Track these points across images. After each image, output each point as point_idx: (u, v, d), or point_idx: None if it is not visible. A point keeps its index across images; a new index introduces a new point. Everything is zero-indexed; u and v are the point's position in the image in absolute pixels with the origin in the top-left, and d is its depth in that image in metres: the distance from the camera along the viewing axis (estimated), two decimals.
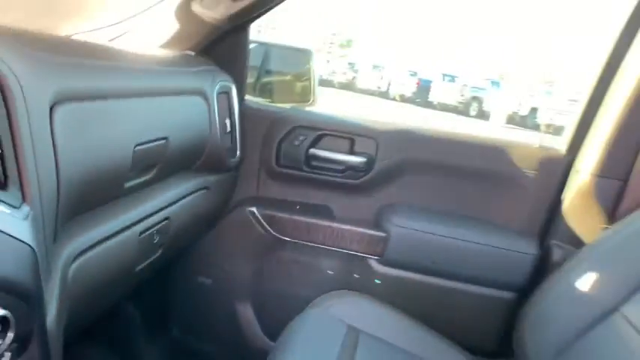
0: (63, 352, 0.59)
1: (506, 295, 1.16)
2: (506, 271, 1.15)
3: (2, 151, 0.48)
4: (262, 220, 1.23)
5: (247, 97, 1.27)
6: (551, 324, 0.95)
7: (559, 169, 1.14)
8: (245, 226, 1.25)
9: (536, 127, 14.50)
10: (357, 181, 1.23)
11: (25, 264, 0.47)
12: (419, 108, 15.99)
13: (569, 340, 0.91)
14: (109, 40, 1.04)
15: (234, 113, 1.14)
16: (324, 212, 1.26)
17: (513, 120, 15.28)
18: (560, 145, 1.18)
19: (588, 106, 1.11)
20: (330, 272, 1.26)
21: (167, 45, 1.09)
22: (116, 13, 1.03)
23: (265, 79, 2.04)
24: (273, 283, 1.30)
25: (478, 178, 1.21)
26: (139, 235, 0.80)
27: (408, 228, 1.18)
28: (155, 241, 0.86)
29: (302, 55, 2.17)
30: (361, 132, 1.21)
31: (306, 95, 2.03)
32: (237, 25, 1.10)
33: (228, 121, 1.11)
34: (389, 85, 18.37)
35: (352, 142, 1.22)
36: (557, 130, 10.12)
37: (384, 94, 18.20)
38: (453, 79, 17.37)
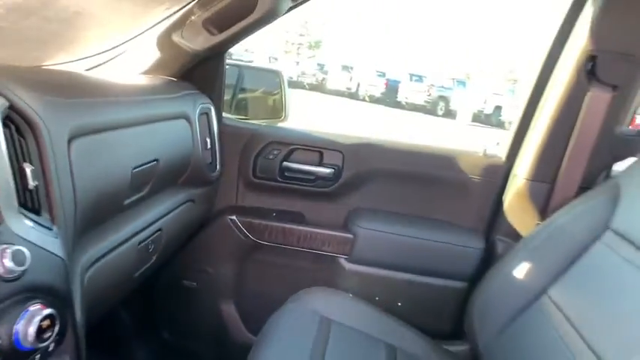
0: None
1: (458, 284, 1.31)
2: (458, 263, 1.31)
3: (37, 184, 0.59)
4: (242, 227, 1.35)
5: (225, 114, 1.37)
6: (494, 307, 1.10)
7: (499, 174, 1.31)
8: (226, 233, 1.36)
9: (500, 125, 14.96)
10: (326, 190, 1.36)
11: (60, 273, 0.59)
12: (388, 108, 16.18)
13: (508, 321, 1.06)
14: (92, 68, 1.14)
15: (213, 132, 1.24)
16: (298, 218, 1.39)
17: (479, 118, 15.69)
18: (501, 152, 1.34)
19: (522, 119, 1.28)
20: (304, 271, 1.39)
21: (149, 72, 1.17)
22: (99, 44, 1.13)
23: (240, 97, 2.19)
24: (253, 283, 1.42)
25: (432, 184, 1.36)
26: (138, 245, 0.91)
27: (372, 229, 1.32)
28: (150, 250, 0.98)
29: (273, 75, 2.33)
30: (329, 146, 1.34)
31: (278, 112, 2.18)
32: (215, 52, 1.22)
33: (208, 139, 1.22)
34: (358, 85, 18.43)
35: (321, 154, 1.35)
36: None
37: (354, 95, 18.24)
38: (420, 79, 17.57)
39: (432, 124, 13.64)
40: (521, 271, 1.07)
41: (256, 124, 1.50)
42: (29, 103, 0.60)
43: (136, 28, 1.12)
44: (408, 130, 10.98)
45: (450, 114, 16.26)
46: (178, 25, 1.10)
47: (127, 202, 0.87)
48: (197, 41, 1.11)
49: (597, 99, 1.12)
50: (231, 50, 1.33)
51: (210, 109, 1.23)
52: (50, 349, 0.57)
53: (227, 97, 1.45)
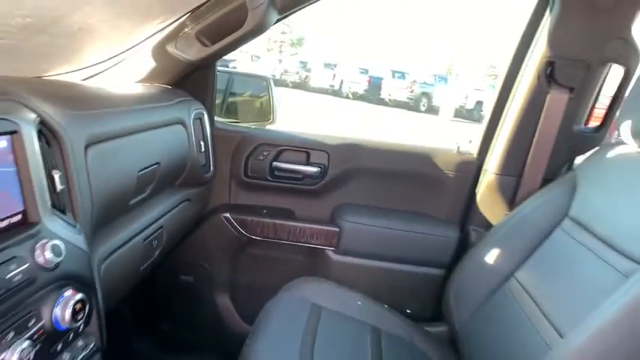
0: None
1: (436, 271, 1.42)
2: (435, 252, 1.42)
3: (63, 187, 0.68)
4: (235, 224, 1.44)
5: (216, 118, 1.46)
6: (468, 291, 1.21)
7: (472, 169, 1.42)
8: (221, 230, 1.45)
9: (481, 120, 15.16)
10: (313, 187, 1.46)
11: (85, 264, 0.68)
12: (372, 105, 16.27)
13: (481, 302, 1.17)
14: (90, 77, 1.22)
15: (206, 135, 1.32)
16: (288, 214, 1.48)
17: (461, 113, 15.88)
18: (472, 149, 1.46)
19: (491, 119, 1.39)
20: (295, 263, 1.48)
21: (144, 80, 1.24)
22: (98, 55, 1.20)
23: (230, 101, 2.29)
24: (247, 276, 1.51)
25: (410, 180, 1.46)
26: (143, 242, 1.00)
27: (357, 223, 1.42)
28: (154, 246, 1.06)
29: (261, 80, 2.44)
30: (315, 146, 1.44)
31: (266, 115, 2.29)
32: (208, 62, 1.30)
33: (202, 142, 1.31)
34: (341, 83, 18.37)
35: (308, 154, 1.44)
36: None
37: (337, 92, 18.19)
38: (403, 75, 17.57)
39: (415, 120, 13.78)
40: (491, 257, 1.19)
41: (246, 127, 1.59)
42: (53, 116, 0.68)
43: (132, 40, 1.19)
44: (392, 126, 11.11)
45: (432, 110, 16.40)
46: (172, 36, 1.18)
47: (132, 202, 0.96)
48: (191, 52, 1.18)
49: (556, 100, 1.24)
50: None
51: (203, 114, 1.32)
52: (80, 329, 0.66)
53: (217, 101, 1.53)
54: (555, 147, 1.27)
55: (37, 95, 0.68)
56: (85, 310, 0.63)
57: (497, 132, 1.36)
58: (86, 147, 0.75)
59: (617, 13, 1.16)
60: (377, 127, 10.38)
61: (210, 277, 1.50)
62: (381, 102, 17.13)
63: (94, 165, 0.77)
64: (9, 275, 0.53)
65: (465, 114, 15.81)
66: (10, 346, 0.52)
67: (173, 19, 1.16)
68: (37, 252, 0.57)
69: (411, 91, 16.99)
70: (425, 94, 17.02)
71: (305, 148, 1.44)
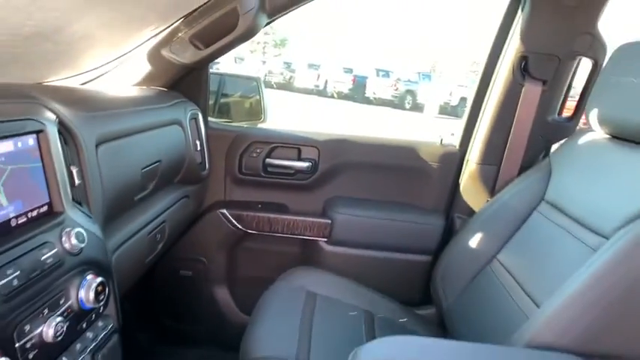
0: None
1: (424, 257, 1.50)
2: (423, 239, 1.49)
3: (80, 182, 0.74)
4: (231, 219, 1.50)
5: (210, 119, 1.52)
6: (454, 274, 1.29)
7: (455, 160, 1.50)
8: (217, 225, 1.51)
9: None
10: (305, 182, 1.52)
11: (103, 251, 0.74)
12: (357, 104, 16.36)
13: (466, 284, 1.25)
14: (89, 81, 1.26)
15: (201, 134, 1.38)
16: (281, 208, 1.55)
17: (445, 110, 16.03)
18: (455, 141, 1.54)
19: (471, 111, 1.47)
20: (289, 255, 1.55)
21: (140, 83, 1.29)
22: (96, 60, 1.25)
23: (222, 102, 2.36)
24: (244, 269, 1.58)
25: (397, 172, 1.54)
26: (148, 235, 1.06)
27: (348, 214, 1.49)
28: (157, 239, 1.12)
29: (251, 81, 2.51)
30: (306, 142, 1.51)
31: (257, 115, 2.36)
32: (201, 65, 1.36)
33: (198, 142, 1.36)
34: (326, 83, 18.38)
35: (299, 151, 1.51)
36: None
37: (322, 92, 18.19)
38: (387, 74, 17.63)
39: (401, 117, 13.91)
40: (474, 241, 1.26)
41: (239, 126, 1.66)
42: (69, 117, 0.74)
43: (129, 45, 1.25)
44: (378, 124, 11.22)
45: (417, 107, 16.52)
46: (166, 41, 1.23)
47: (136, 198, 1.02)
48: (185, 55, 1.24)
49: (531, 92, 1.32)
50: None
51: (197, 114, 1.38)
52: (101, 310, 0.72)
53: (210, 102, 1.59)
54: (531, 136, 1.36)
55: (54, 98, 0.74)
56: (105, 292, 0.69)
57: (477, 124, 1.45)
58: (97, 145, 0.81)
59: (583, 10, 1.25)
60: (363, 126, 10.47)
61: (209, 271, 1.56)
62: (367, 101, 17.21)
63: (104, 162, 0.83)
64: (42, 258, 0.59)
65: (449, 111, 15.96)
66: (46, 321, 0.58)
67: (167, 25, 1.22)
68: (64, 238, 0.64)
69: (396, 89, 17.09)
70: (409, 91, 17.13)
71: (296, 145, 1.51)
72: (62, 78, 1.23)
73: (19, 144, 0.60)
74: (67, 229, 0.64)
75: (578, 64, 1.35)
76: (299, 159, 1.51)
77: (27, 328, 0.56)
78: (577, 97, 1.39)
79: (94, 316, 0.70)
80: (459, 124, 1.54)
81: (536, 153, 1.40)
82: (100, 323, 0.73)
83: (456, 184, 1.49)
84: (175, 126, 1.23)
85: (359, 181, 1.55)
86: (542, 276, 1.02)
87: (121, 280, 0.96)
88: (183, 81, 1.36)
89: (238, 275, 1.58)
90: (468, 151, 1.47)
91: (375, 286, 1.40)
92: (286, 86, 19.09)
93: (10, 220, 0.58)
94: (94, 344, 0.70)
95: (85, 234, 0.66)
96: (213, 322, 1.59)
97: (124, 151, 0.93)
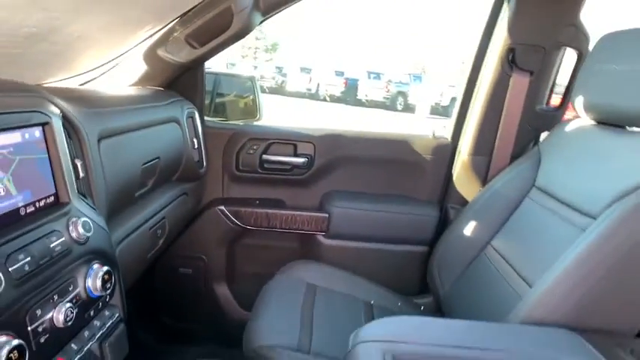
0: None
1: (420, 248, 1.53)
2: (418, 230, 1.52)
3: (84, 175, 0.76)
4: (230, 215, 1.52)
5: (206, 117, 1.54)
6: (450, 262, 1.32)
7: (447, 152, 1.53)
8: (216, 222, 1.53)
9: None
10: (301, 177, 1.55)
11: (108, 242, 0.76)
12: (349, 107, 16.43)
13: (462, 271, 1.28)
14: (86, 83, 1.28)
15: (198, 133, 1.40)
16: (279, 204, 1.57)
17: (437, 110, 16.14)
18: (446, 134, 1.57)
19: (462, 104, 1.50)
20: (288, 250, 1.57)
21: (137, 83, 1.31)
22: (93, 62, 1.27)
23: (218, 101, 2.38)
24: (243, 265, 1.59)
25: (391, 165, 1.57)
26: (149, 230, 1.08)
27: (345, 208, 1.52)
28: (158, 235, 1.14)
29: (247, 80, 2.54)
30: (302, 138, 1.53)
31: (253, 113, 2.39)
32: (197, 63, 1.38)
33: (195, 140, 1.39)
34: (318, 86, 18.47)
35: (295, 146, 1.53)
36: None
37: (314, 96, 18.26)
38: (378, 76, 17.74)
39: (393, 119, 13.98)
40: (468, 230, 1.29)
41: (236, 124, 1.68)
42: (72, 112, 0.76)
43: (125, 46, 1.27)
44: (371, 126, 11.25)
45: (409, 108, 16.61)
46: (162, 41, 1.25)
47: (137, 194, 1.04)
48: (181, 54, 1.26)
49: (518, 83, 1.36)
50: None
51: (194, 113, 1.40)
52: (107, 300, 0.74)
53: (206, 102, 1.62)
54: (520, 126, 1.39)
55: (57, 95, 0.76)
56: (111, 281, 0.71)
57: (467, 116, 1.48)
58: (99, 140, 0.83)
59: (566, 2, 1.29)
60: (356, 127, 10.48)
61: (208, 268, 1.57)
62: (359, 103, 17.29)
63: (106, 157, 0.85)
64: (51, 245, 0.61)
65: (440, 111, 16.06)
66: (56, 306, 0.60)
67: (163, 25, 1.24)
68: (71, 227, 0.66)
69: (387, 91, 17.20)
70: (401, 93, 17.25)
71: (292, 141, 1.53)
72: (59, 80, 1.25)
73: (27, 135, 0.62)
74: (74, 219, 0.66)
75: (564, 54, 1.39)
76: (295, 155, 1.53)
77: (38, 312, 0.58)
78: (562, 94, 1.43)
79: (100, 304, 0.72)
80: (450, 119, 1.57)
81: (526, 142, 1.44)
82: (107, 312, 0.75)
83: (449, 176, 1.53)
84: (173, 124, 1.25)
85: (355, 175, 1.57)
86: (534, 258, 1.05)
87: (125, 275, 0.98)
88: (179, 80, 1.38)
89: (238, 272, 1.60)
90: (460, 142, 1.50)
91: (373, 277, 1.42)
92: (278, 90, 19.12)
93: (19, 208, 0.60)
94: (101, 332, 0.72)
95: (91, 223, 0.68)
96: (214, 319, 1.60)
97: (124, 147, 0.95)
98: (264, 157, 1.52)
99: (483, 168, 1.44)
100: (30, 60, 1.11)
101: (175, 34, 1.25)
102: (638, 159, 0.91)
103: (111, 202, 0.87)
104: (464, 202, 1.46)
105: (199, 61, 1.34)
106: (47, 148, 0.66)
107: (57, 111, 0.70)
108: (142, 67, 1.30)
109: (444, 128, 1.58)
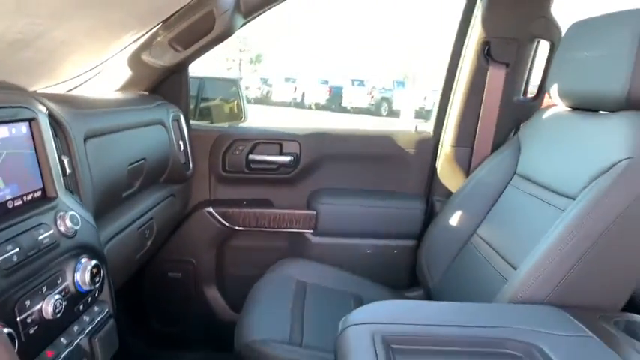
0: None
1: (408, 242, 1.55)
2: (406, 224, 1.54)
3: (71, 172, 0.77)
4: (218, 217, 1.52)
5: (192, 122, 1.55)
6: (438, 254, 1.34)
7: (430, 145, 1.56)
8: (204, 224, 1.53)
9: None
10: (288, 176, 1.56)
11: (95, 237, 0.77)
12: (335, 114, 16.52)
13: (449, 261, 1.30)
14: (72, 89, 1.29)
15: (184, 135, 1.41)
16: (266, 203, 1.58)
17: (421, 114, 16.29)
18: (428, 128, 1.60)
19: (442, 97, 1.54)
20: (277, 249, 1.57)
21: (122, 88, 1.32)
22: (77, 68, 1.27)
23: (203, 105, 2.39)
24: (233, 266, 1.60)
25: (376, 161, 1.59)
26: (137, 230, 1.08)
27: (332, 205, 1.53)
28: (146, 236, 1.15)
29: (230, 83, 2.55)
30: (287, 137, 1.55)
31: (238, 115, 2.40)
32: (181, 67, 1.39)
33: (181, 142, 1.40)
34: (303, 95, 18.56)
35: (281, 146, 1.55)
36: None
37: (300, 105, 18.30)
38: (362, 83, 17.87)
39: (378, 124, 14.08)
40: (454, 220, 1.32)
41: (221, 126, 1.69)
42: (59, 112, 0.77)
43: (109, 52, 1.28)
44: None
45: (393, 113, 16.76)
46: (146, 45, 1.26)
47: (124, 194, 1.04)
48: (165, 58, 1.27)
49: (496, 75, 1.40)
50: None
51: (179, 116, 1.41)
52: (96, 295, 0.74)
53: (190, 106, 1.63)
54: (500, 117, 1.43)
55: (46, 97, 0.77)
56: (100, 275, 0.72)
57: (448, 109, 1.51)
58: (85, 140, 0.84)
59: None
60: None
61: (198, 271, 1.57)
62: (344, 110, 17.38)
63: (92, 156, 0.86)
64: (39, 237, 0.62)
65: (424, 114, 16.17)
66: (45, 298, 0.61)
67: (146, 30, 1.25)
68: (59, 221, 0.66)
69: (372, 98, 17.35)
70: (385, 99, 17.39)
71: (277, 140, 1.55)
72: (44, 87, 1.25)
73: (14, 130, 0.63)
74: (61, 213, 0.67)
75: (537, 46, 1.43)
76: (281, 154, 1.55)
77: (27, 303, 0.58)
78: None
79: (90, 299, 0.72)
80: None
81: (507, 132, 1.47)
82: (96, 308, 0.76)
83: (433, 169, 1.55)
84: (159, 126, 1.26)
85: (340, 172, 1.59)
86: (518, 242, 1.08)
87: (114, 274, 0.98)
88: (164, 85, 1.40)
89: (227, 274, 1.60)
90: (442, 135, 1.53)
91: (363, 273, 1.44)
92: (264, 100, 19.17)
93: (7, 201, 0.61)
94: (91, 327, 0.73)
95: (79, 217, 0.69)
96: (205, 322, 1.60)
97: (110, 147, 0.96)
98: (251, 157, 1.53)
99: (466, 159, 1.47)
100: (14, 68, 1.11)
101: (159, 39, 1.26)
102: (610, 140, 0.94)
103: (98, 201, 0.88)
104: (449, 194, 1.48)
105: (183, 64, 1.35)
106: (34, 144, 0.66)
107: (43, 109, 0.71)
108: (126, 72, 1.30)
109: (425, 122, 1.61)
